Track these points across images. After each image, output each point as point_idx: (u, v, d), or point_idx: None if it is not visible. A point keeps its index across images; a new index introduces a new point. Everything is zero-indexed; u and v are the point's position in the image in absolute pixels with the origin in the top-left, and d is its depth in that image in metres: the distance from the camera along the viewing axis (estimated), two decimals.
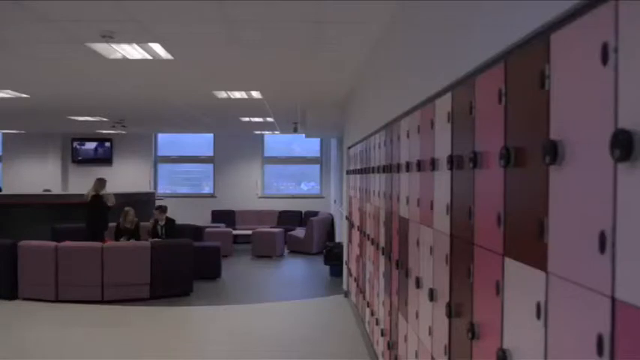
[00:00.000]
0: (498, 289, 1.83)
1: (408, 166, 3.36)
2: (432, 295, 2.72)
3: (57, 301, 7.92)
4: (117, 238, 9.15)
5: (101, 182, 9.78)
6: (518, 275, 1.69)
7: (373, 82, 5.45)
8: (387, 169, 4.20)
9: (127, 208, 9.40)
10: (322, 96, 8.42)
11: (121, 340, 6.41)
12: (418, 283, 3.04)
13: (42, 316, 7.46)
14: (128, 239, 9.08)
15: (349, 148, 7.81)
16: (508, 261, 1.77)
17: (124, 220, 9.27)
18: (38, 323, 7.16)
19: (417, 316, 3.13)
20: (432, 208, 2.77)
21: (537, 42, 1.58)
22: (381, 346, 4.61)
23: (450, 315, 2.40)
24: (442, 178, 2.58)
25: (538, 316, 1.51)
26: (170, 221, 9.60)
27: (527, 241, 1.61)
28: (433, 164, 2.72)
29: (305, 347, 6.07)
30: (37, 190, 13.74)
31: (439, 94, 2.68)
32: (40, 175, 15.31)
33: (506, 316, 1.79)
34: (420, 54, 3.30)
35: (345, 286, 8.39)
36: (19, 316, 7.49)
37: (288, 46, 5.37)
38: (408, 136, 3.42)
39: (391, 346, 4.03)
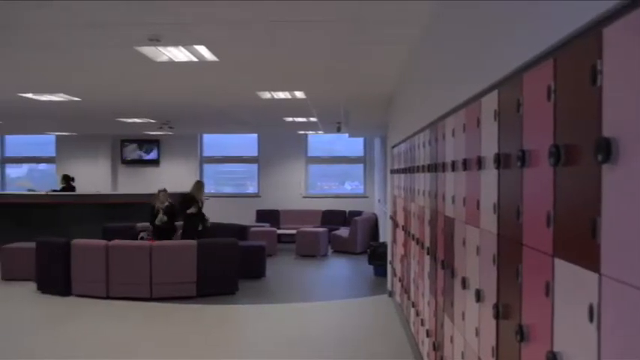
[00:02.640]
0: (548, 290, 1.79)
1: (453, 165, 3.32)
2: (478, 296, 2.68)
3: (108, 297, 8.15)
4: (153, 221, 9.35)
5: (199, 185, 10.01)
6: (569, 276, 1.64)
7: (417, 80, 5.40)
8: (431, 168, 4.16)
9: (158, 189, 9.59)
10: (366, 95, 8.38)
11: (168, 336, 6.55)
12: (464, 284, 3.00)
13: (93, 312, 7.68)
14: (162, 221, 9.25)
15: (393, 147, 7.76)
16: (558, 262, 1.73)
17: (155, 200, 9.46)
18: (90, 319, 7.38)
19: (463, 317, 3.09)
20: (478, 207, 2.73)
21: (588, 37, 1.53)
22: (426, 346, 4.56)
23: (497, 316, 2.35)
24: (489, 177, 2.54)
25: (591, 318, 1.47)
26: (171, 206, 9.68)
27: (579, 242, 1.57)
28: (479, 163, 2.68)
29: (349, 347, 6.07)
30: (89, 190, 14.17)
31: (485, 92, 2.64)
32: (90, 176, 15.74)
33: (557, 319, 1.74)
34: (464, 51, 3.26)
35: (389, 286, 8.34)
36: (72, 312, 7.73)
37: (331, 45, 5.37)
38: (453, 135, 3.37)
39: (437, 347, 3.99)
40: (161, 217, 9.36)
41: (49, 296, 8.42)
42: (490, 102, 2.53)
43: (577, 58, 1.63)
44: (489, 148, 2.52)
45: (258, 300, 8.33)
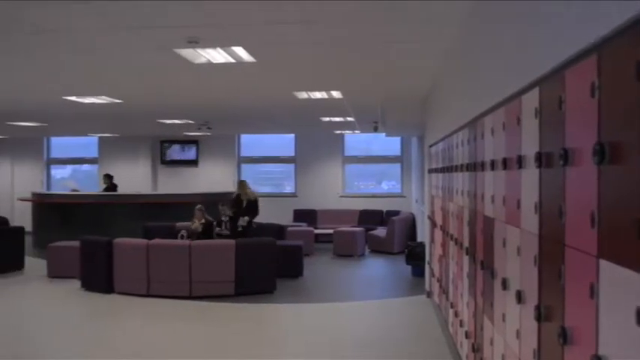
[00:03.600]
0: (592, 292, 1.74)
1: (492, 164, 3.26)
2: (519, 298, 2.63)
3: (148, 295, 8.30)
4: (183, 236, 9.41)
5: (243, 184, 10.17)
6: (615, 278, 1.60)
7: (454, 78, 5.34)
8: (470, 167, 4.11)
9: (198, 206, 9.69)
10: (403, 94, 8.33)
11: (207, 335, 6.63)
12: (504, 285, 2.95)
13: (134, 310, 7.84)
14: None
15: (430, 146, 7.69)
16: (603, 263, 1.68)
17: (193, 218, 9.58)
18: (131, 317, 7.53)
19: (503, 319, 3.04)
20: (518, 207, 2.68)
21: (633, 32, 1.48)
22: (465, 348, 4.51)
23: (539, 318, 2.31)
24: (529, 176, 2.49)
25: (638, 321, 1.43)
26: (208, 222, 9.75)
27: (625, 243, 1.52)
28: (520, 162, 2.63)
29: (386, 347, 6.04)
30: (130, 190, 14.47)
31: (525, 90, 2.59)
32: (131, 176, 16.08)
33: (602, 321, 1.70)
34: (503, 48, 3.20)
35: (427, 287, 8.27)
36: (113, 309, 7.91)
37: (368, 45, 5.36)
38: (492, 134, 3.32)
39: (476, 349, 3.93)
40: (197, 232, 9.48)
41: (93, 293, 8.63)
42: (531, 99, 2.48)
43: (621, 54, 1.59)
44: (530, 146, 2.47)
45: (295, 299, 8.36)
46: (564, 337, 1.97)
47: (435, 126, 7.42)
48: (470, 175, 4.15)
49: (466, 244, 4.35)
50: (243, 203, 10.00)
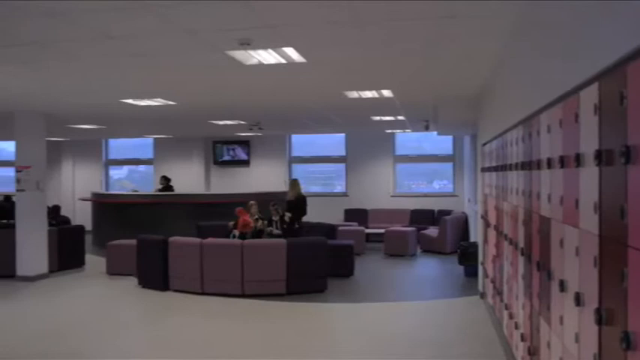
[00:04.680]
0: None
1: (549, 162, 3.17)
2: (578, 300, 2.55)
3: (202, 293, 8.46)
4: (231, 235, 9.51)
5: (295, 183, 10.30)
6: None
7: (508, 75, 5.22)
8: (525, 165, 4.01)
9: (250, 202, 9.81)
10: (454, 92, 8.21)
11: (259, 333, 6.71)
12: (562, 287, 2.86)
13: (189, 307, 8.01)
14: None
15: (484, 144, 7.55)
16: None
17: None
18: (186, 314, 7.70)
19: (561, 322, 2.95)
20: (577, 206, 2.60)
21: None
22: (520, 351, 4.40)
23: (599, 322, 2.23)
24: (588, 175, 2.41)
25: None
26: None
27: None
28: (578, 160, 2.54)
29: (439, 348, 5.97)
30: (184, 190, 14.79)
31: (584, 85, 2.50)
32: (185, 177, 16.44)
33: None
34: (559, 43, 3.11)
35: (480, 287, 8.12)
36: (169, 307, 8.11)
37: (418, 43, 5.30)
38: (548, 131, 3.23)
39: (532, 351, 3.83)
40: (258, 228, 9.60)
41: (149, 291, 8.87)
42: (590, 95, 2.40)
43: None
44: (589, 144, 2.39)
45: (347, 298, 8.36)
46: (627, 342, 1.89)
47: (488, 124, 7.28)
48: (525, 173, 4.05)
49: (521, 244, 4.24)
50: (292, 202, 10.07)
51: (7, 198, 12.83)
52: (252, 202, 9.83)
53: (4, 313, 7.66)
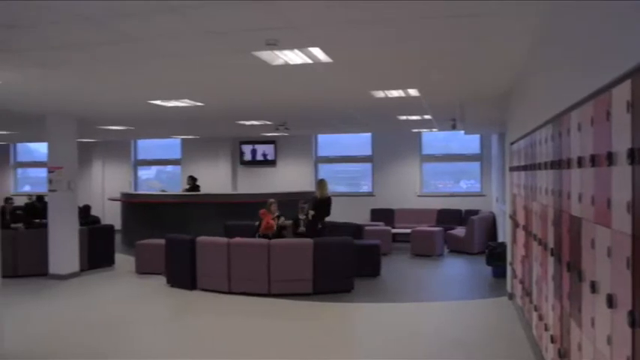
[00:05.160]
0: None
1: (579, 161, 3.12)
2: (610, 302, 2.50)
3: (229, 292, 8.53)
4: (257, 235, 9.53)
5: (323, 183, 10.33)
6: None
7: (538, 73, 5.14)
8: (555, 164, 3.94)
9: (270, 200, 9.85)
10: (482, 91, 8.12)
11: (286, 332, 6.73)
12: (593, 288, 2.81)
13: (216, 306, 8.08)
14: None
15: (512, 143, 7.45)
16: None
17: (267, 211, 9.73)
18: (213, 312, 7.77)
19: (592, 324, 2.90)
20: (609, 206, 2.55)
21: None
22: (550, 353, 4.33)
23: (633, 324, 2.18)
24: (621, 174, 2.36)
25: None
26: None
27: None
28: (610, 158, 2.50)
29: (466, 348, 5.92)
30: (211, 190, 14.91)
31: (616, 82, 2.45)
32: (212, 177, 16.58)
33: None
34: (590, 40, 3.05)
35: (509, 288, 8.02)
36: (196, 305, 8.19)
37: (445, 42, 5.26)
38: (579, 129, 3.17)
39: (562, 354, 3.77)
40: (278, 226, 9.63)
41: (177, 289, 8.97)
42: (622, 93, 2.35)
43: None
44: (621, 142, 2.34)
45: (373, 298, 8.34)
46: None
47: (516, 122, 7.19)
48: (554, 172, 3.99)
49: (551, 244, 4.18)
50: (317, 201, 10.07)
51: (40, 198, 13.10)
52: (271, 200, 9.88)
53: (39, 311, 7.82)
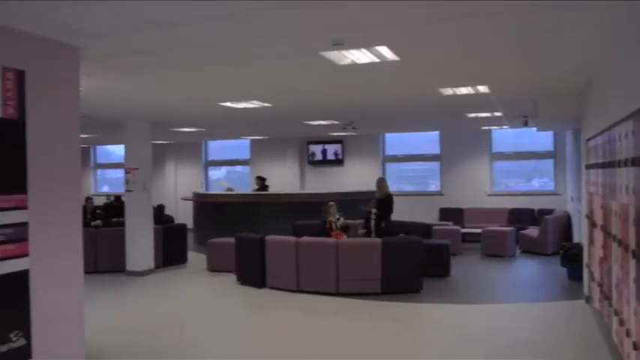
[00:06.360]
0: None
1: None
2: None
3: (298, 291, 8.62)
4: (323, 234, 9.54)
5: (381, 182, 10.33)
6: None
7: (616, 66, 4.91)
8: (636, 161, 3.76)
9: (329, 203, 9.86)
10: (556, 85, 7.83)
11: (355, 331, 6.75)
12: None
13: (285, 304, 8.19)
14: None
15: (588, 140, 7.16)
16: None
17: (327, 215, 9.74)
18: (282, 311, 7.88)
19: None
20: None
21: None
22: (632, 359, 4.14)
23: None
24: None
25: None
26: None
27: None
28: None
29: (541, 353, 5.73)
30: (279, 189, 15.12)
31: None
32: (280, 176, 16.80)
33: None
34: None
35: (585, 291, 7.71)
36: (266, 303, 8.33)
37: (519, 36, 5.11)
38: None
39: None
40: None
41: (247, 287, 9.16)
42: None
43: None
44: None
45: (442, 299, 8.22)
46: None
47: (593, 118, 6.90)
48: (635, 170, 3.80)
49: (632, 246, 3.99)
50: (380, 200, 10.00)
51: (117, 198, 13.68)
52: (330, 203, 9.94)
53: (117, 305, 8.18)
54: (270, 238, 9.18)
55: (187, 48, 5.26)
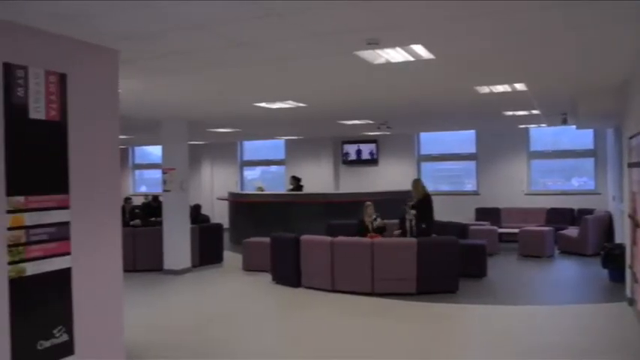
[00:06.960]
0: None
1: None
2: None
3: (333, 291, 8.63)
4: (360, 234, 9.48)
5: (417, 183, 10.19)
6: None
7: None
8: None
9: (367, 203, 9.83)
10: (597, 82, 7.66)
11: (391, 331, 6.72)
12: None
13: (320, 304, 8.20)
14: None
15: (631, 137, 6.98)
16: None
17: (364, 215, 9.71)
18: (317, 310, 7.90)
19: None
20: None
21: None
22: None
23: None
24: None
25: None
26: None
27: None
28: None
29: (581, 356, 5.61)
30: (314, 189, 15.16)
31: None
32: (315, 176, 16.83)
33: None
34: None
35: (628, 293, 7.52)
36: (301, 303, 8.36)
37: (554, 31, 5.01)
38: None
39: None
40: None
41: (282, 287, 9.21)
42: None
43: None
44: None
45: (479, 300, 8.12)
46: None
47: (635, 115, 6.72)
48: None
49: None
50: (415, 201, 9.88)
51: (155, 198, 13.92)
52: (367, 203, 9.89)
53: (156, 303, 8.33)
54: (305, 237, 9.21)
55: (223, 49, 5.32)
